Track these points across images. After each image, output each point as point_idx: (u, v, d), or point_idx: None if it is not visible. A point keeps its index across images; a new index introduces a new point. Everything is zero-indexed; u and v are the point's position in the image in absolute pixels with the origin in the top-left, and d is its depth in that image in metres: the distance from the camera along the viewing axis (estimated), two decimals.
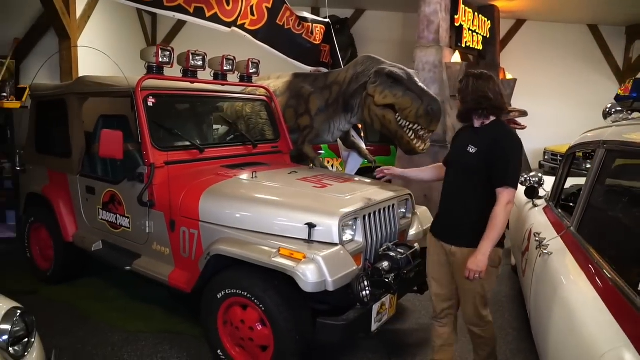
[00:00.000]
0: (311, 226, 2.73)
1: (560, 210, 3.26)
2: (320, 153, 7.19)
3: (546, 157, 9.11)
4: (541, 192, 3.99)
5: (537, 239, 2.95)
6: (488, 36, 7.80)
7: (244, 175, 3.44)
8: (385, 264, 2.97)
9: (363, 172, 6.18)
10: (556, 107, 9.94)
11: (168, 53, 3.60)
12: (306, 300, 2.74)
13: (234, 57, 4.16)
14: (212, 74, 4.13)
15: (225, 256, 2.84)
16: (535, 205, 3.81)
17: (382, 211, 3.22)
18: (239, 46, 4.90)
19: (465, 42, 6.99)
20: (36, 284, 4.40)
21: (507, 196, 2.49)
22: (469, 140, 2.68)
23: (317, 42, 5.62)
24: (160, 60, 3.53)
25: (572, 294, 2.16)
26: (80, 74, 5.08)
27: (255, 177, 3.38)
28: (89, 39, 6.11)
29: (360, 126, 5.45)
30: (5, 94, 5.46)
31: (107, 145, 3.29)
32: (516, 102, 8.74)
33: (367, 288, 2.65)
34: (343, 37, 8.94)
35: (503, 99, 2.68)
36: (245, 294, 2.77)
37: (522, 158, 2.70)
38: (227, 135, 4.53)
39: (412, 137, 4.07)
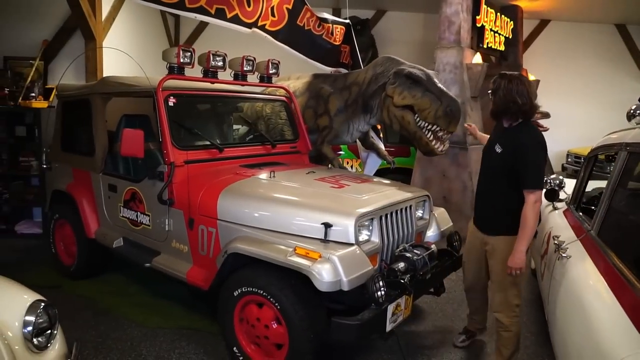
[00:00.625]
0: (327, 226, 2.74)
1: (580, 214, 3.21)
2: (340, 154, 7.22)
3: (569, 159, 8.96)
4: (562, 195, 3.94)
5: (556, 242, 2.91)
6: (510, 37, 7.70)
7: (262, 175, 3.47)
8: (401, 264, 2.97)
9: (382, 173, 6.18)
10: (580, 108, 9.75)
11: (189, 54, 3.66)
12: (321, 299, 2.76)
13: (254, 58, 4.20)
14: (232, 75, 4.18)
15: (242, 254, 2.88)
16: (555, 208, 3.76)
17: (399, 212, 3.21)
18: (261, 47, 4.94)
19: (487, 43, 6.91)
20: (60, 279, 4.52)
21: (534, 197, 2.70)
22: (498, 139, 2.92)
23: (337, 43, 5.63)
24: (182, 60, 3.59)
25: (591, 298, 2.13)
26: (105, 75, 5.20)
27: (274, 176, 3.41)
28: (113, 41, 6.24)
29: (379, 127, 5.45)
30: (33, 94, 5.61)
31: (128, 144, 3.36)
32: (539, 104, 8.62)
33: (382, 288, 2.65)
34: (364, 38, 8.95)
35: (532, 102, 2.82)
36: (261, 292, 2.80)
37: (545, 159, 2.81)
38: (247, 135, 4.58)
39: (431, 138, 4.05)
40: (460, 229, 5.70)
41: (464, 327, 3.58)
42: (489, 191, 3.01)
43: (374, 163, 5.37)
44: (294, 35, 5.20)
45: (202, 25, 9.39)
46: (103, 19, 5.97)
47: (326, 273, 2.52)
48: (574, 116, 9.36)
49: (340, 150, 7.23)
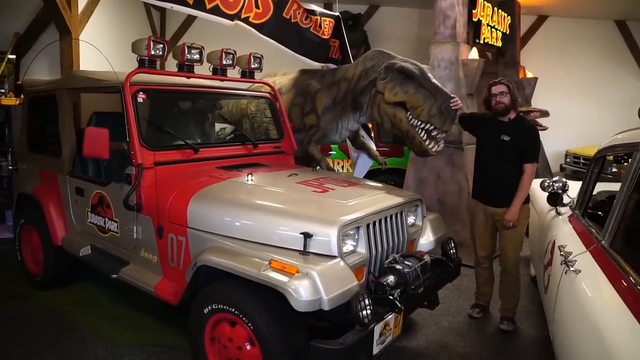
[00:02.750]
0: (307, 236, 2.45)
1: (587, 220, 2.92)
2: (331, 154, 6.92)
3: (568, 159, 8.68)
4: (565, 199, 3.66)
5: (562, 253, 2.62)
6: (508, 32, 7.42)
7: (239, 178, 3.16)
8: (391, 278, 2.67)
9: (373, 173, 5.89)
10: (579, 107, 9.48)
11: (161, 46, 3.34)
12: (301, 318, 2.46)
13: (235, 51, 3.90)
14: (210, 69, 3.88)
15: (213, 267, 2.58)
16: (558, 214, 3.47)
17: (388, 219, 2.92)
18: (251, 42, 4.63)
19: (484, 39, 6.62)
20: (29, 289, 4.20)
21: (531, 168, 3.59)
22: (501, 130, 3.67)
23: (326, 37, 5.32)
24: (153, 53, 3.28)
25: (607, 321, 1.85)
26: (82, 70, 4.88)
27: (251, 180, 3.11)
28: (91, 35, 5.92)
29: (370, 126, 5.15)
30: (3, 90, 5.29)
31: (91, 143, 3.05)
32: (536, 102, 8.35)
33: (367, 307, 2.35)
34: (356, 34, 8.65)
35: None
36: (234, 310, 2.50)
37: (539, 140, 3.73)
38: (227, 134, 4.28)
39: (425, 137, 3.75)
40: (456, 233, 5.44)
41: (474, 303, 4.14)
42: (500, 172, 3.67)
43: (364, 164, 5.07)
44: (279, 28, 4.88)
45: (189, 20, 9.07)
46: (79, 12, 5.64)
47: (304, 290, 2.22)
48: (572, 115, 9.09)
49: (331, 150, 6.93)
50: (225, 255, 2.57)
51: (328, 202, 2.80)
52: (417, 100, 3.70)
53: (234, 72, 4.05)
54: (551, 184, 3.67)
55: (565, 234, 2.94)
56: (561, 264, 2.60)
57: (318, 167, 4.36)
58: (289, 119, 4.64)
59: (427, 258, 2.99)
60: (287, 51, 5.10)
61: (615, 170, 7.20)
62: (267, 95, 4.39)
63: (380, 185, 3.54)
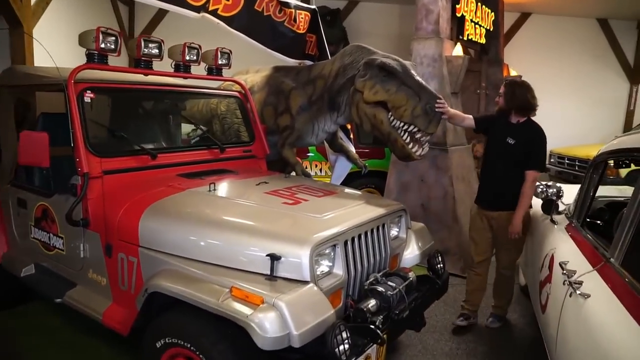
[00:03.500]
0: (274, 258, 2.10)
1: (589, 232, 2.63)
2: (309, 155, 6.57)
3: (552, 160, 8.49)
4: (560, 206, 3.38)
5: (564, 271, 2.32)
6: (491, 29, 7.16)
7: (200, 188, 2.79)
8: (372, 303, 2.34)
9: (353, 177, 5.57)
10: (562, 105, 9.29)
11: (113, 38, 2.95)
12: (270, 355, 2.11)
13: (199, 46, 3.53)
14: (172, 65, 3.51)
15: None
16: (554, 222, 3.18)
17: (369, 233, 2.59)
18: (229, 40, 4.25)
19: (467, 35, 6.35)
20: None
21: (533, 176, 3.44)
22: (507, 132, 3.55)
23: (302, 32, 4.96)
24: (102, 46, 2.89)
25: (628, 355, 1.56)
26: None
27: (214, 189, 2.74)
28: (47, 29, 5.46)
29: (349, 127, 4.82)
30: None
31: (28, 150, 2.66)
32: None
33: (345, 341, 2.01)
34: (335, 30, 8.31)
35: (534, 101, 3.59)
36: (189, 345, 2.13)
37: (546, 147, 3.60)
38: (192, 138, 3.90)
39: (408, 140, 3.43)
40: (441, 241, 5.14)
41: (461, 312, 3.91)
42: (501, 175, 3.56)
43: (343, 167, 4.73)
44: (251, 21, 4.51)
45: (160, 15, 8.61)
46: (33, 3, 5.18)
47: (270, 325, 1.88)
48: (556, 114, 8.85)
49: (309, 152, 6.58)
50: (180, 281, 2.20)
51: (300, 216, 2.45)
52: (399, 99, 3.37)
53: (200, 70, 3.70)
54: (544, 189, 3.39)
55: (565, 248, 2.64)
56: (564, 284, 2.30)
57: (292, 173, 4.02)
58: (261, 119, 4.29)
59: (412, 276, 2.67)
60: (260, 47, 4.72)
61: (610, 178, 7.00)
62: (237, 94, 4.02)
63: (359, 193, 3.21)
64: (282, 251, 2.12)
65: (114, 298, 2.67)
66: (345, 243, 2.39)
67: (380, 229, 2.71)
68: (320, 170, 6.52)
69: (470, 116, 3.77)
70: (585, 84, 9.47)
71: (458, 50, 5.50)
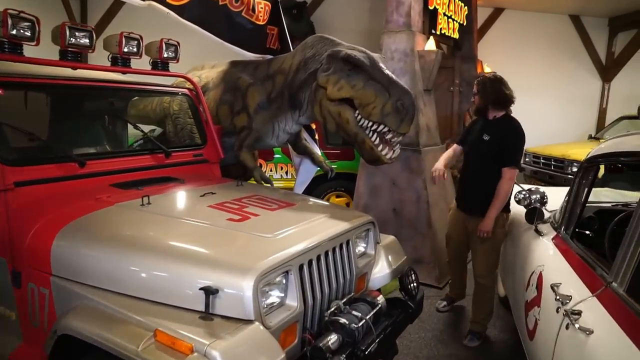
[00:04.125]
0: (210, 292, 1.69)
1: (580, 246, 2.30)
2: (275, 157, 6.17)
3: (527, 159, 8.27)
4: (544, 213, 3.06)
5: (557, 296, 1.98)
6: (465, 24, 6.88)
7: (131, 201, 2.36)
8: (333, 338, 1.95)
9: (320, 179, 5.21)
10: (535, 104, 9.09)
11: (28, 24, 2.50)
12: None
13: (140, 37, 3.09)
14: (109, 58, 3.06)
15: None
16: (539, 233, 2.85)
17: (330, 253, 2.21)
18: (194, 34, 3.83)
19: (440, 29, 6.04)
20: None
21: (510, 174, 3.30)
22: (483, 129, 3.46)
23: (262, 23, 4.55)
24: (13, 33, 2.43)
25: None
26: None
27: (148, 203, 2.31)
28: None
29: (314, 127, 4.43)
30: None
31: None
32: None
33: None
34: (301, 24, 7.91)
35: (510, 93, 3.49)
36: None
37: (524, 144, 3.43)
38: (134, 141, 3.46)
39: (377, 141, 3.05)
40: (414, 248, 4.80)
41: (446, 294, 4.09)
42: (477, 175, 3.49)
43: (307, 171, 4.34)
44: (205, 11, 4.06)
45: (115, 8, 8.05)
46: None
47: None
48: (530, 112, 8.60)
49: (275, 154, 6.17)
50: (97, 320, 1.78)
51: (246, 236, 2.04)
52: (367, 96, 3.00)
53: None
54: (527, 195, 3.07)
55: (556, 266, 2.31)
56: (557, 311, 1.96)
57: (246, 182, 3.61)
58: (216, 119, 3.89)
59: (381, 301, 2.30)
60: (215, 39, 4.28)
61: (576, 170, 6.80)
62: (186, 91, 3.59)
63: (321, 204, 2.84)
64: (220, 282, 1.72)
65: (24, 337, 2.22)
66: (301, 267, 2.00)
67: (344, 246, 2.34)
68: (286, 173, 6.12)
69: (454, 145, 3.84)
70: (558, 81, 9.31)
71: (431, 44, 5.17)
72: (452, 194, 4.73)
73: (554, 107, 9.37)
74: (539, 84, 9.23)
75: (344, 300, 2.21)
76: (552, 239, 2.63)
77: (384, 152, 3.07)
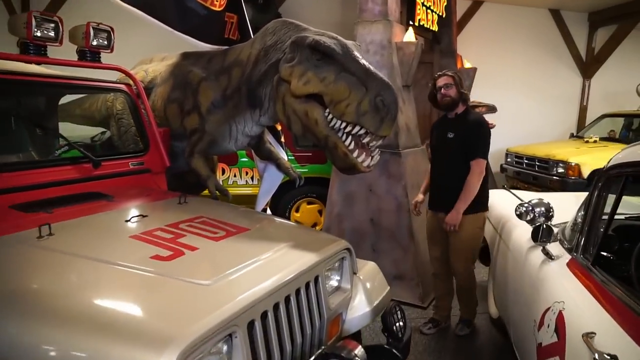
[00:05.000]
0: None
1: (609, 278, 1.81)
2: (240, 162, 5.59)
3: (509, 159, 7.88)
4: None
5: (595, 356, 1.48)
6: (444, 15, 6.44)
7: (26, 232, 1.76)
8: None
9: (290, 186, 4.66)
10: (515, 101, 8.73)
11: None
12: None
13: (59, 19, 2.51)
14: (19, 45, 2.47)
15: None
16: (549, 256, 2.35)
17: (292, 297, 1.67)
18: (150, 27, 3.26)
19: (419, 20, 5.57)
20: None
21: (478, 166, 3.26)
22: (447, 127, 3.41)
23: (218, 9, 3.96)
24: None
25: None
26: None
27: (48, 235, 1.73)
28: None
29: (280, 128, 3.88)
30: None
31: None
32: (475, 95, 7.45)
33: None
34: (268, 16, 7.28)
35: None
36: None
37: (489, 134, 3.34)
38: (54, 148, 2.86)
39: (352, 146, 2.52)
40: (394, 263, 4.28)
41: (430, 317, 3.75)
42: (445, 174, 3.41)
43: (272, 179, 3.79)
44: None
45: None
46: None
47: None
48: (510, 109, 8.28)
49: (241, 157, 5.59)
50: None
51: (172, 285, 1.48)
52: (339, 91, 2.46)
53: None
54: (529, 208, 2.57)
55: (582, 306, 1.81)
56: None
57: (196, 196, 3.05)
58: (164, 120, 3.32)
59: (359, 353, 1.77)
60: (162, 27, 3.69)
61: (562, 170, 6.44)
62: (122, 87, 3.00)
63: (284, 226, 2.30)
64: None
65: None
66: (252, 324, 1.46)
67: (312, 285, 1.80)
68: (252, 178, 5.54)
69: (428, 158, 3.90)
70: (538, 78, 8.97)
71: (410, 36, 4.67)
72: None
73: (534, 104, 9.02)
74: (518, 80, 8.87)
75: (313, 357, 1.68)
76: (568, 265, 2.14)
77: (360, 159, 2.53)
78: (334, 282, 2.06)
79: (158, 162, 2.94)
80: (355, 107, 2.41)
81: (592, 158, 6.43)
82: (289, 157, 5.55)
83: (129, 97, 3.02)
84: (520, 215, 2.60)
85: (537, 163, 6.95)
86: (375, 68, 4.37)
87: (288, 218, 5.60)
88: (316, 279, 1.84)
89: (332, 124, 2.53)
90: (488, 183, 3.53)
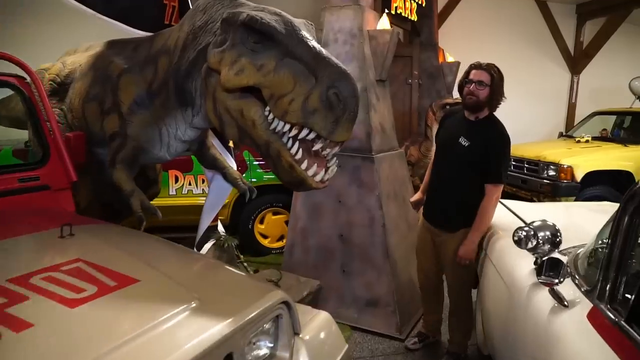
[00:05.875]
0: None
1: None
2: (195, 168, 4.94)
3: None
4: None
5: None
6: (424, 5, 5.88)
7: None
8: None
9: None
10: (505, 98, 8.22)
11: None
12: None
13: None
14: None
15: None
16: (563, 303, 1.76)
17: None
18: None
19: (396, 8, 5.00)
20: None
21: (497, 192, 2.75)
22: (461, 131, 2.83)
23: None
24: None
25: None
26: None
27: None
28: None
29: None
30: None
31: None
32: (457, 91, 6.91)
33: None
34: None
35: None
36: None
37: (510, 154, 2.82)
38: None
39: (299, 155, 1.92)
40: (367, 287, 3.61)
41: (418, 330, 3.40)
42: (452, 187, 2.89)
43: (219, 192, 3.17)
44: None
45: None
46: None
47: None
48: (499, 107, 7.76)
49: (194, 164, 4.94)
50: None
51: None
52: (280, 82, 1.86)
53: None
54: (531, 233, 2.00)
55: None
56: None
57: (79, 230, 2.43)
58: (83, 122, 2.72)
59: None
60: (88, 12, 3.06)
61: (554, 173, 5.92)
62: (12, 80, 2.36)
63: (197, 270, 1.67)
64: None
65: None
66: None
67: None
68: (205, 190, 4.91)
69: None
70: (524, 73, 8.45)
71: (384, 23, 4.09)
72: (415, 212, 3.68)
73: (521, 101, 8.49)
74: (507, 76, 8.34)
75: None
76: (588, 318, 1.56)
77: (310, 172, 1.92)
78: (263, 351, 1.45)
79: (61, 177, 2.31)
80: (301, 103, 1.81)
81: (585, 159, 5.94)
82: (252, 163, 4.95)
83: (22, 93, 2.37)
84: (519, 242, 2.03)
85: (525, 165, 6.43)
86: (345, 60, 3.84)
87: (252, 230, 5.00)
88: (230, 357, 1.23)
89: (273, 125, 1.93)
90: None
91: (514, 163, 6.70)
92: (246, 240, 4.99)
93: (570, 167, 5.79)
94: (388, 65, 4.00)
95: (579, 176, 5.77)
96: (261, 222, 5.02)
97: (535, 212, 3.32)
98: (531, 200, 6.19)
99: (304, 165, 1.91)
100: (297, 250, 3.91)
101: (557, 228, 2.00)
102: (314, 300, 3.48)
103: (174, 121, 2.56)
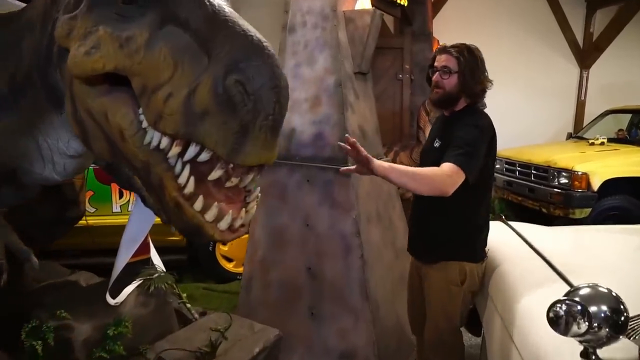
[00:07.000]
0: None
1: None
2: None
3: (498, 166, 6.57)
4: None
5: None
6: None
7: None
8: None
9: None
10: (504, 94, 7.40)
11: None
12: None
13: None
14: None
15: None
16: None
17: None
18: None
19: None
20: None
21: (452, 171, 1.99)
22: (437, 132, 2.42)
23: None
24: None
25: None
26: None
27: None
28: None
29: None
30: None
31: None
32: None
33: None
34: None
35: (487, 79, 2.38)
36: None
37: (483, 141, 2.13)
38: None
39: (189, 185, 1.15)
40: (341, 333, 2.60)
41: None
42: (429, 206, 2.28)
43: (140, 219, 2.40)
44: None
45: None
46: None
47: None
48: (498, 105, 6.92)
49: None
50: None
51: None
52: (154, 65, 1.10)
53: None
54: (577, 309, 1.25)
55: None
56: None
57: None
58: None
59: None
60: None
61: (566, 181, 5.17)
62: None
63: None
64: None
65: None
66: None
67: None
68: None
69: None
70: (528, 67, 7.89)
71: (364, 3, 3.33)
72: (404, 234, 2.96)
73: (524, 98, 7.90)
74: (505, 70, 7.62)
75: None
76: None
77: (209, 215, 1.15)
78: None
79: None
80: (182, 100, 1.05)
81: (602, 165, 5.20)
82: None
83: None
84: (555, 322, 1.27)
85: (533, 172, 5.67)
86: (315, 48, 3.09)
87: (213, 253, 4.26)
88: None
89: (148, 139, 1.16)
90: (483, 218, 2.31)
91: (519, 168, 5.95)
92: (207, 265, 4.29)
93: (585, 174, 5.05)
94: (370, 55, 3.25)
95: (595, 185, 5.03)
96: (224, 243, 4.27)
97: (555, 240, 2.58)
98: (540, 212, 5.45)
99: (198, 205, 1.15)
100: (256, 286, 3.14)
101: (620, 300, 1.24)
102: (272, 356, 2.72)
103: (51, 129, 1.79)
